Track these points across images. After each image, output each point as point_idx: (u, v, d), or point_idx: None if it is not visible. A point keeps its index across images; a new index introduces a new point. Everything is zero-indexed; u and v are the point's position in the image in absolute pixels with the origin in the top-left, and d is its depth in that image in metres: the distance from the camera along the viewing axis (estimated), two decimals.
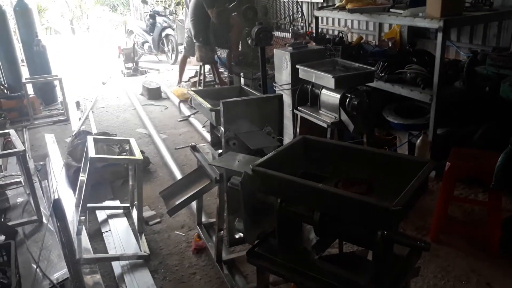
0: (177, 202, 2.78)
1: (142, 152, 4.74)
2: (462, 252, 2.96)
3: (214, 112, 2.48)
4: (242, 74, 5.94)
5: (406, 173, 1.59)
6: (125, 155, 4.51)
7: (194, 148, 2.99)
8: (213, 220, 3.25)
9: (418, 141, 4.11)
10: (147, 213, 3.71)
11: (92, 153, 3.13)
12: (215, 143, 2.75)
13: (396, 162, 1.70)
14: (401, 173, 1.63)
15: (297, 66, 3.68)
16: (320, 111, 3.63)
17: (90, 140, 3.32)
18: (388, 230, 1.37)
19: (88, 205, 3.58)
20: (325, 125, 3.46)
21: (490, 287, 2.65)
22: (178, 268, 2.99)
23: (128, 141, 3.59)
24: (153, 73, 9.67)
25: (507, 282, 2.66)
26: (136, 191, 3.41)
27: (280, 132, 2.50)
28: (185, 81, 8.04)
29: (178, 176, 4.25)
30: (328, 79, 3.29)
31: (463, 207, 3.48)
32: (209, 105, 2.53)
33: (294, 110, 3.89)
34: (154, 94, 7.60)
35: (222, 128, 2.38)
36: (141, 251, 3.12)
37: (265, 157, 1.72)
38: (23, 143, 5.30)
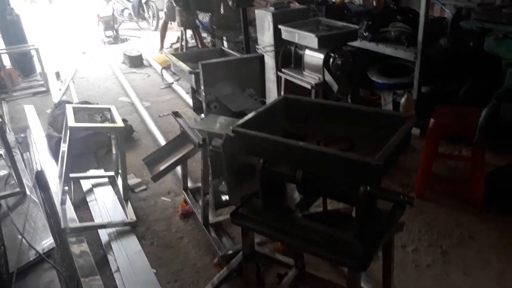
0: (161, 168, 2.75)
1: (125, 120, 4.68)
2: (446, 207, 3.01)
3: (193, 75, 2.41)
4: (224, 38, 5.81)
5: (388, 129, 1.57)
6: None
7: (176, 114, 2.93)
8: (199, 184, 3.23)
9: (403, 99, 4.10)
10: (132, 180, 3.69)
11: (71, 122, 3.05)
12: (197, 108, 2.70)
13: (378, 118, 1.67)
14: (383, 129, 1.61)
15: (279, 26, 3.59)
16: (304, 73, 3.58)
17: (69, 109, 3.23)
18: (370, 186, 1.36)
19: (72, 175, 3.54)
20: (309, 87, 3.41)
21: (473, 239, 2.71)
22: (166, 233, 2.99)
23: (109, 109, 3.50)
24: (134, 40, 9.41)
25: (490, 234, 2.73)
26: (120, 159, 3.36)
27: (263, 94, 2.45)
28: (167, 48, 7.85)
29: (163, 143, 4.19)
30: (311, 39, 3.22)
31: (447, 163, 3.51)
32: (188, 68, 2.46)
33: (278, 73, 3.82)
34: (136, 62, 7.42)
35: (202, 91, 2.32)
36: (127, 218, 3.11)
37: (246, 118, 1.68)
38: (1, 116, 5.18)
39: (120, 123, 3.22)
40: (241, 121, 1.65)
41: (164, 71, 6.62)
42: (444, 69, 4.15)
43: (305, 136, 1.73)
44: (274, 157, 1.61)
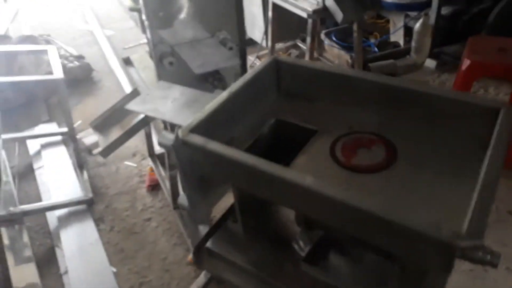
0: (111, 140, 2.08)
1: (81, 57, 3.88)
2: None
3: (136, 13, 1.64)
4: None
5: (455, 123, 0.91)
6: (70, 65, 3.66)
7: (126, 62, 2.19)
8: None
9: (418, 25, 3.32)
10: (90, 138, 3.02)
11: None
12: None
13: (432, 103, 0.99)
14: (442, 124, 0.95)
15: None
16: None
17: None
18: (445, 271, 0.73)
19: (13, 135, 2.88)
20: (304, 15, 2.62)
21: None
22: (129, 213, 2.41)
23: (45, 51, 2.70)
24: None
25: None
26: (66, 117, 2.66)
27: (242, 38, 1.71)
28: None
29: (127, 87, 3.45)
30: None
31: None
32: (129, 1, 1.67)
33: None
34: None
35: (149, 38, 1.57)
36: (82, 194, 2.50)
37: (207, 110, 0.99)
38: None
39: (58, 73, 2.46)
40: (195, 120, 0.96)
41: None
42: None
43: (309, 131, 1.06)
44: (256, 190, 0.95)
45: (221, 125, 0.99)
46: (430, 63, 3.41)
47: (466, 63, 2.24)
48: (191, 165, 1.08)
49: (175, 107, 1.23)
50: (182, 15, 1.59)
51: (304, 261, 1.00)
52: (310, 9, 2.57)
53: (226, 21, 1.68)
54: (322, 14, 2.59)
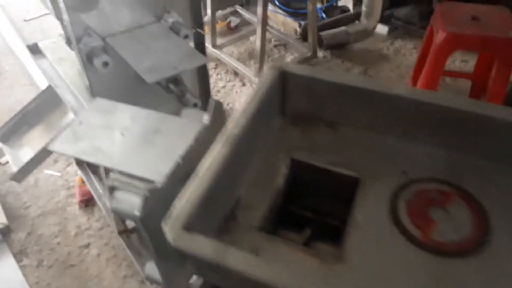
0: (25, 159, 1.57)
1: None
2: None
3: None
4: None
5: None
6: None
7: (34, 50, 1.65)
8: None
9: None
10: None
11: None
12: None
13: None
14: None
15: None
16: None
17: None
18: None
19: None
20: None
21: None
22: (60, 239, 1.94)
23: None
24: None
25: None
26: None
27: (199, 21, 1.27)
28: None
29: (33, 69, 2.80)
30: None
31: (452, 83, 2.68)
32: None
33: None
34: None
35: (70, 28, 1.09)
36: None
37: (198, 187, 0.60)
38: None
39: None
40: (182, 209, 0.57)
41: None
42: None
43: (349, 178, 0.71)
44: None
45: (220, 194, 0.61)
46: (382, 28, 3.18)
47: (441, 35, 1.99)
48: (161, 234, 0.69)
49: (126, 144, 0.82)
50: None
51: None
52: None
53: None
54: None
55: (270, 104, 0.76)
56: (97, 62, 1.09)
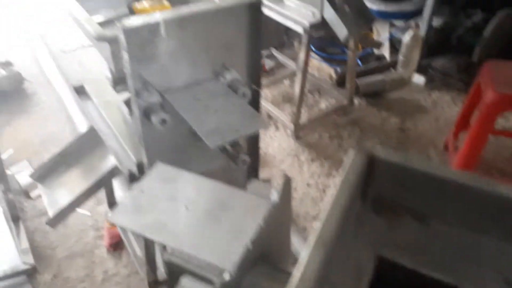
0: (62, 203, 1.53)
1: (9, 63, 3.15)
2: None
3: (109, 46, 1.11)
4: None
5: None
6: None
7: (79, 91, 1.64)
8: None
9: (407, 37, 3.01)
10: (25, 175, 2.38)
11: None
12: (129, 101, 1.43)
13: None
14: None
15: None
16: (286, 1, 2.30)
17: None
18: None
19: None
20: (299, 29, 2.18)
21: None
22: (87, 284, 1.87)
23: None
24: None
25: None
26: None
27: (258, 80, 1.24)
28: None
29: (69, 103, 2.82)
30: None
31: (503, 142, 2.57)
32: (96, 28, 1.13)
33: None
34: None
35: (131, 86, 1.06)
36: (19, 260, 1.91)
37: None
38: None
39: None
40: None
41: None
42: None
43: (446, 286, 0.63)
44: None
45: None
46: (419, 78, 3.13)
47: (491, 95, 1.93)
48: None
49: (192, 220, 0.76)
50: (172, 46, 1.09)
51: None
52: (306, 23, 2.14)
53: (233, 54, 1.20)
54: (320, 29, 2.17)
55: (352, 189, 0.70)
56: (155, 119, 1.06)
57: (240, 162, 1.25)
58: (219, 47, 1.17)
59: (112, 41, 1.06)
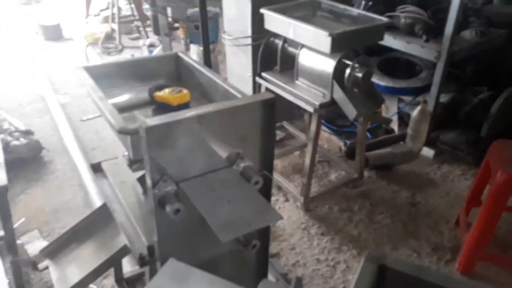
0: (72, 282, 1.53)
1: (29, 132, 3.28)
2: None
3: (130, 137, 1.17)
4: (169, 11, 4.39)
5: None
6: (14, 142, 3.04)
7: (96, 169, 1.69)
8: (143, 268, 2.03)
9: (416, 111, 3.09)
10: (35, 245, 2.39)
11: None
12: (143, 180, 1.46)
13: None
14: None
15: (262, 11, 2.35)
16: (297, 82, 2.41)
17: None
18: None
19: None
20: (310, 109, 2.26)
21: None
22: None
23: None
24: (51, 1, 7.54)
25: None
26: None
27: (270, 168, 1.28)
28: (95, 15, 6.24)
29: (84, 170, 2.88)
30: (320, 38, 2.04)
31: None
32: (119, 121, 1.20)
33: (256, 78, 2.61)
34: (53, 33, 5.76)
35: (148, 178, 1.10)
36: None
37: None
38: None
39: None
40: None
41: (89, 49, 5.10)
42: (472, 70, 3.18)
43: None
44: None
45: None
46: (427, 151, 3.17)
47: (502, 176, 1.94)
48: None
49: None
50: (190, 140, 1.15)
51: None
52: (316, 103, 2.22)
53: (248, 144, 1.26)
54: (330, 109, 2.25)
55: None
56: (170, 209, 1.09)
57: (250, 247, 1.26)
58: (235, 139, 1.23)
59: (133, 133, 1.12)
